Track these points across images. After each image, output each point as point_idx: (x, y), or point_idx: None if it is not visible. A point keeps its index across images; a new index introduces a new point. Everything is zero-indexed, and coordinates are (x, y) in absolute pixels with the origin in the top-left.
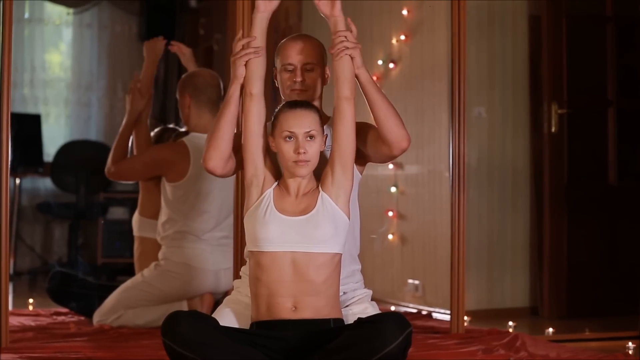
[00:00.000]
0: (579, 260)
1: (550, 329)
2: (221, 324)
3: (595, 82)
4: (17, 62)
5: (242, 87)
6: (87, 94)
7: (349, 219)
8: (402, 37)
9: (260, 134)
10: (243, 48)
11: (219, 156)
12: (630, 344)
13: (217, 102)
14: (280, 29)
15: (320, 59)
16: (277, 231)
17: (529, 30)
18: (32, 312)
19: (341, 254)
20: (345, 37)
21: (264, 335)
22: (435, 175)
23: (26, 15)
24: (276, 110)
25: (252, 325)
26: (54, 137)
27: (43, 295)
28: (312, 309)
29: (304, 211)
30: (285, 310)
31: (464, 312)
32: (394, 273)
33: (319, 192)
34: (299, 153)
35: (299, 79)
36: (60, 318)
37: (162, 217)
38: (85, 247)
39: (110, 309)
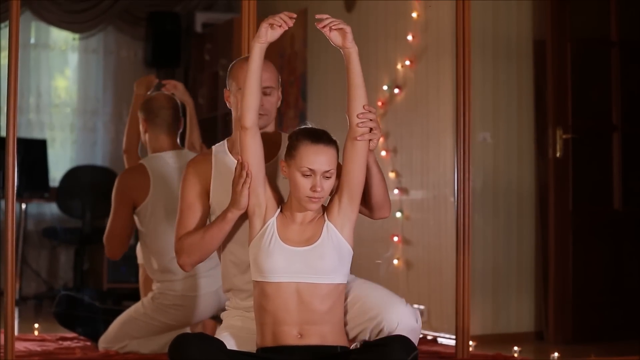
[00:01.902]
0: (584, 285)
1: (556, 354)
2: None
3: (600, 107)
4: (23, 87)
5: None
6: (92, 119)
7: (352, 248)
8: (407, 63)
9: (259, 165)
10: (241, 176)
11: (197, 262)
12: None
13: (172, 123)
14: (286, 55)
15: (276, 82)
16: (281, 262)
17: (533, 55)
18: (38, 337)
19: (345, 284)
20: (371, 120)
21: (271, 358)
22: (440, 200)
23: (32, 40)
24: (294, 136)
25: (257, 350)
26: (59, 162)
27: (49, 320)
28: (318, 336)
29: (309, 241)
30: (291, 337)
31: (469, 337)
32: None
33: (325, 220)
34: (315, 191)
35: (261, 103)
36: (66, 343)
37: (143, 251)
38: (91, 273)
39: (115, 338)
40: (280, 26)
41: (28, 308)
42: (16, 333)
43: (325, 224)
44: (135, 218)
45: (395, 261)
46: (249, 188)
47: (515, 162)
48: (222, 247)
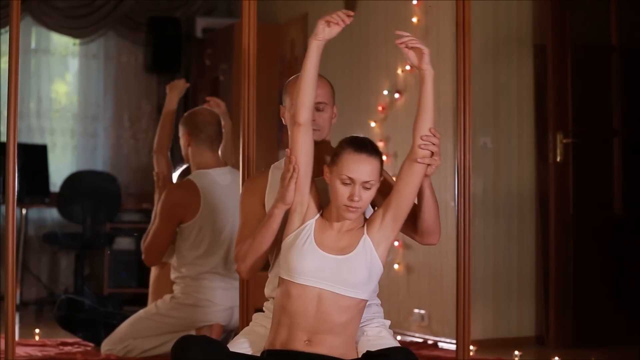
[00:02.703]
0: (585, 289)
1: (556, 358)
2: (239, 344)
3: (600, 112)
4: (23, 93)
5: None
6: (93, 124)
7: (383, 267)
8: (408, 67)
9: (308, 163)
10: (289, 170)
11: (252, 267)
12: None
13: (215, 138)
14: (286, 60)
15: (331, 98)
16: (312, 265)
17: (534, 59)
18: (39, 342)
19: (367, 300)
20: (434, 144)
21: None
22: (440, 205)
23: (32, 45)
24: (340, 143)
25: (263, 352)
26: (60, 168)
27: (49, 326)
28: (327, 346)
29: (343, 250)
30: (299, 342)
31: (470, 341)
32: (400, 303)
33: (363, 233)
34: (352, 200)
35: (313, 118)
36: (67, 348)
37: (178, 259)
38: (92, 278)
39: (120, 339)
40: (337, 24)
41: (29, 313)
42: (17, 338)
43: (363, 237)
44: (178, 231)
45: (396, 266)
46: (295, 183)
47: (516, 167)
48: (275, 252)
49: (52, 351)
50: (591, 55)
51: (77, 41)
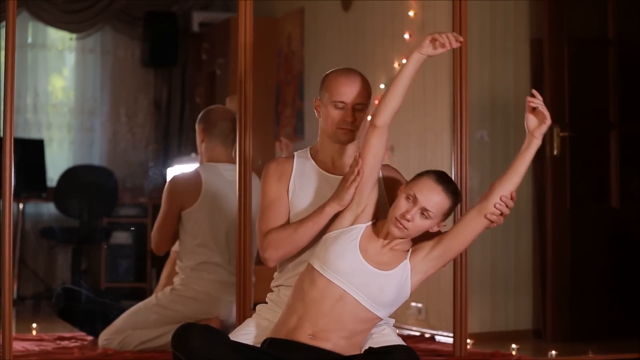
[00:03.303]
0: (582, 282)
1: (554, 352)
2: (242, 335)
3: (597, 105)
4: (20, 88)
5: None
6: (90, 119)
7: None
8: (404, 61)
9: (376, 166)
10: (353, 173)
11: (283, 257)
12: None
13: (229, 134)
14: (283, 54)
15: (369, 98)
16: (348, 267)
17: (531, 53)
18: (36, 337)
19: (382, 320)
20: (508, 209)
21: (273, 355)
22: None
23: (29, 40)
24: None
25: (266, 340)
26: (57, 162)
27: (47, 320)
28: (332, 343)
29: (382, 266)
30: (304, 335)
31: (467, 335)
32: None
33: (406, 257)
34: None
35: (350, 119)
36: (64, 343)
37: (180, 248)
38: (89, 272)
39: (119, 329)
40: (443, 44)
41: (26, 308)
42: (14, 333)
43: (405, 262)
44: (183, 217)
45: None
46: (356, 187)
47: (513, 160)
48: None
49: (49, 346)
50: (588, 49)
51: (74, 36)
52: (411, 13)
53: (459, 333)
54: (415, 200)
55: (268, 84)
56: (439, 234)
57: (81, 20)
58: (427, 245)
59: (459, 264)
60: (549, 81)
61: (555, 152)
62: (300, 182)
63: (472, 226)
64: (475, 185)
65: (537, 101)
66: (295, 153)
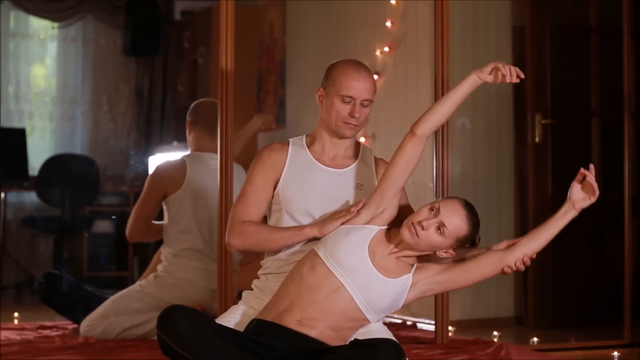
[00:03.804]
0: (564, 270)
1: (535, 339)
2: (227, 322)
3: (579, 93)
4: (2, 77)
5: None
6: (71, 107)
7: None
8: (386, 49)
9: (404, 173)
10: (351, 213)
11: (246, 250)
12: (615, 353)
13: (215, 126)
14: (265, 42)
15: (374, 94)
16: (352, 264)
17: (512, 41)
18: (18, 326)
19: (369, 323)
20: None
21: (256, 341)
22: (419, 187)
23: (11, 29)
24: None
25: (253, 320)
26: (39, 151)
27: (28, 309)
28: (318, 331)
29: (385, 272)
30: (292, 320)
31: (449, 322)
32: None
33: (410, 271)
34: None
35: (357, 114)
36: (46, 332)
37: (164, 236)
38: (71, 261)
39: (101, 315)
40: (504, 75)
41: (7, 297)
42: None
43: (407, 275)
44: (163, 206)
45: None
46: (342, 223)
47: (495, 148)
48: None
49: (31, 335)
50: (570, 37)
51: (56, 25)
52: (393, 1)
53: (440, 320)
54: (437, 213)
55: (250, 72)
56: (443, 261)
57: (63, 9)
58: (434, 267)
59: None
60: (530, 69)
61: (537, 140)
62: (293, 171)
63: (486, 269)
64: (458, 173)
65: (591, 176)
66: (291, 140)
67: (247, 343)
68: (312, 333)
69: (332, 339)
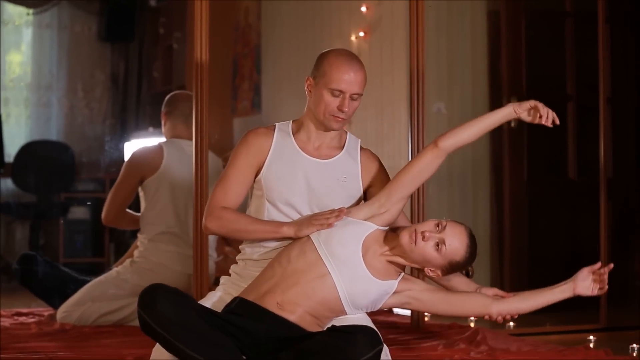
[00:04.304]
0: (540, 254)
1: (511, 323)
2: (206, 305)
3: (554, 78)
4: None
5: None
6: (47, 94)
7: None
8: (361, 34)
9: (418, 179)
10: (329, 220)
11: (220, 235)
12: (591, 337)
13: (190, 114)
14: (240, 27)
15: (364, 87)
16: (344, 257)
17: (488, 25)
18: None
19: (346, 316)
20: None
21: (236, 324)
22: (395, 171)
23: None
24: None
25: (235, 298)
26: (14, 138)
27: (4, 296)
28: (297, 316)
29: (373, 271)
30: (272, 303)
31: None
32: None
33: (396, 279)
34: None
35: (346, 109)
36: (22, 318)
37: (141, 221)
38: (47, 248)
39: (78, 302)
40: (546, 119)
41: None
42: None
43: (393, 282)
44: (140, 192)
45: None
46: (317, 229)
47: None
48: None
49: (6, 322)
50: (545, 21)
51: (31, 11)
52: None
53: None
54: (441, 230)
55: (225, 57)
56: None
57: None
58: (421, 284)
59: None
60: (505, 53)
61: (512, 124)
62: (277, 159)
63: (469, 309)
64: None
65: (606, 274)
66: (277, 125)
67: (226, 326)
68: (291, 317)
69: (311, 325)
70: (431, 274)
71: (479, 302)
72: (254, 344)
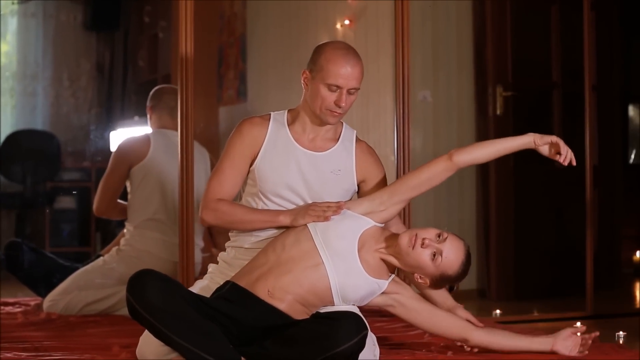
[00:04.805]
0: (526, 242)
1: (498, 311)
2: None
3: (540, 65)
4: None
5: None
6: (32, 83)
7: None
8: (347, 22)
9: (422, 188)
10: (325, 213)
11: (216, 226)
12: (578, 324)
13: (175, 106)
14: (225, 16)
15: (361, 81)
16: (340, 249)
17: (473, 13)
18: None
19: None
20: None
21: (224, 312)
22: (381, 160)
23: None
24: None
25: (228, 282)
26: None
27: None
28: (286, 304)
29: (367, 267)
30: (263, 290)
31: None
32: None
33: (387, 279)
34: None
35: (343, 104)
36: (8, 308)
37: (128, 210)
38: (33, 237)
39: (64, 290)
40: (559, 154)
41: None
42: None
43: (383, 281)
44: (127, 182)
45: None
46: (312, 220)
47: (456, 120)
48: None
49: None
50: (530, 8)
51: (16, 0)
52: None
53: None
54: (442, 242)
55: (210, 46)
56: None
57: None
58: (409, 291)
59: (403, 224)
60: (491, 41)
61: (498, 112)
62: (271, 150)
63: (449, 327)
64: (419, 146)
65: (590, 341)
66: (272, 115)
67: (214, 314)
68: (281, 306)
69: (300, 314)
70: (419, 281)
71: (460, 326)
72: (241, 332)
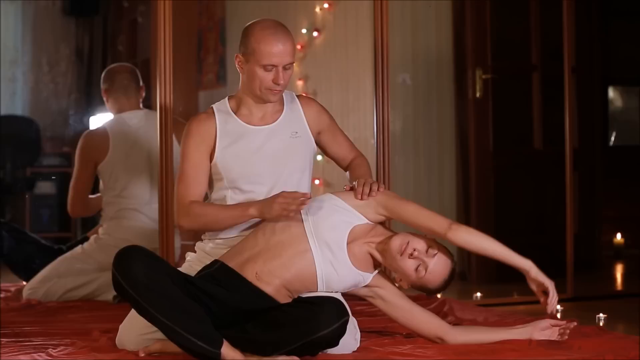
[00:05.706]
0: (506, 225)
1: (479, 294)
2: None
3: (519, 47)
4: None
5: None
6: (11, 69)
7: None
8: (326, 6)
9: (410, 223)
10: (295, 206)
11: (195, 230)
12: (558, 306)
13: (129, 84)
14: (204, 0)
15: (295, 54)
16: (330, 239)
17: None
18: None
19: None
20: None
21: (208, 293)
22: (360, 143)
23: None
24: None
25: (217, 261)
26: None
27: None
28: (273, 287)
29: (354, 260)
30: (251, 272)
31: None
32: None
33: (372, 272)
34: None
35: (282, 81)
36: None
37: (103, 202)
38: (13, 222)
39: (44, 278)
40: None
41: None
42: None
43: (368, 274)
44: (99, 172)
45: None
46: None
47: (435, 104)
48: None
49: None
50: None
51: None
52: None
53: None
54: (430, 257)
55: (189, 30)
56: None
57: None
58: (393, 288)
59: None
60: (470, 24)
61: (477, 95)
62: (226, 140)
63: (427, 325)
64: (399, 129)
65: (568, 330)
66: (214, 107)
67: (199, 294)
68: (268, 289)
69: (285, 298)
70: (398, 282)
71: (437, 325)
72: (224, 313)
